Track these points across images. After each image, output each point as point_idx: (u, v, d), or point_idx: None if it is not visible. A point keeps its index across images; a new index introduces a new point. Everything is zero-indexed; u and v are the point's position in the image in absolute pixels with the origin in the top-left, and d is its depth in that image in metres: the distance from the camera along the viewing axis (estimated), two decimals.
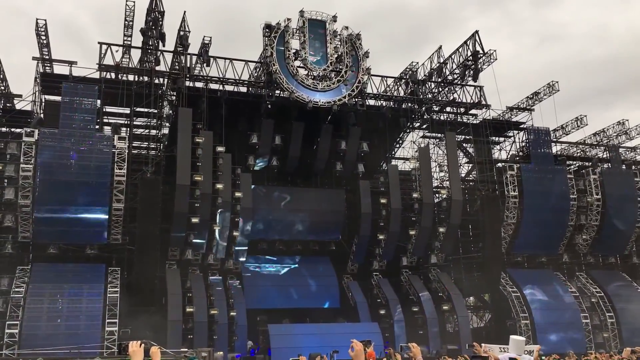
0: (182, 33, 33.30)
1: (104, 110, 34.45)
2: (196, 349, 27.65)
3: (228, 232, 33.28)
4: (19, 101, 34.85)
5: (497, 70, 37.49)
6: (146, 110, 34.06)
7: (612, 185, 40.66)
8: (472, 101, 39.35)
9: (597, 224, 40.30)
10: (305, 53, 34.69)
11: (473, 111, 40.53)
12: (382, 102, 38.56)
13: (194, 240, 32.27)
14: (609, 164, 42.61)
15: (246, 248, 35.54)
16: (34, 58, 33.97)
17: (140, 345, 5.11)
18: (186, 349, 27.56)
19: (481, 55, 36.87)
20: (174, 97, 34.71)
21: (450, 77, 38.81)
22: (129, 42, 34.64)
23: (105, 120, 35.28)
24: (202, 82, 34.41)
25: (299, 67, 34.67)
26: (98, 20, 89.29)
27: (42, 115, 34.21)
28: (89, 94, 31.45)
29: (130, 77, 33.84)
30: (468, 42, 37.07)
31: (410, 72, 40.18)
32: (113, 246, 32.06)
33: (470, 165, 43.30)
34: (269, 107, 34.60)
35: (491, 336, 35.96)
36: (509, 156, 42.21)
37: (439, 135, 40.18)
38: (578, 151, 46.76)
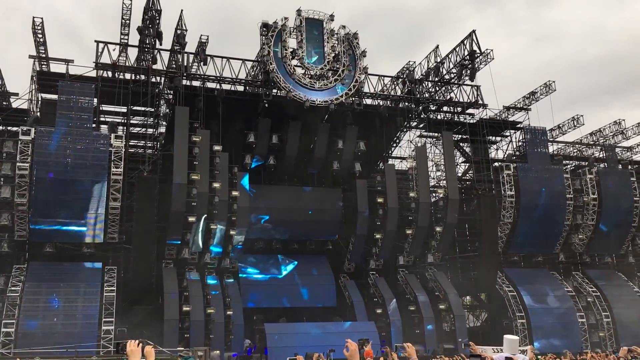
0: (179, 31, 33.29)
1: (101, 108, 34.45)
2: (193, 348, 27.68)
3: (225, 231, 33.27)
4: (15, 99, 34.90)
5: (494, 70, 37.74)
6: (143, 108, 34.01)
7: (608, 185, 40.72)
8: (469, 101, 39.46)
9: (593, 224, 40.36)
10: (302, 52, 34.71)
11: (470, 111, 40.72)
12: (379, 101, 38.65)
13: (191, 239, 32.19)
14: (606, 164, 42.66)
15: (242, 247, 35.55)
16: (30, 56, 33.93)
17: (138, 344, 5.10)
18: (183, 348, 27.57)
19: (478, 54, 36.90)
20: (170, 96, 34.64)
21: (447, 77, 38.87)
22: (126, 41, 34.60)
23: (102, 119, 35.28)
24: (199, 80, 34.43)
25: (296, 66, 34.68)
26: (95, 18, 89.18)
27: (38, 114, 34.15)
28: (86, 92, 31.36)
29: (127, 76, 33.87)
30: (465, 42, 37.12)
31: (407, 71, 40.21)
32: (109, 245, 32.00)
33: (467, 164, 43.39)
34: (266, 106, 34.63)
35: (487, 336, 36.11)
36: (505, 156, 42.37)
37: (436, 134, 40.21)
38: (574, 151, 46.95)
